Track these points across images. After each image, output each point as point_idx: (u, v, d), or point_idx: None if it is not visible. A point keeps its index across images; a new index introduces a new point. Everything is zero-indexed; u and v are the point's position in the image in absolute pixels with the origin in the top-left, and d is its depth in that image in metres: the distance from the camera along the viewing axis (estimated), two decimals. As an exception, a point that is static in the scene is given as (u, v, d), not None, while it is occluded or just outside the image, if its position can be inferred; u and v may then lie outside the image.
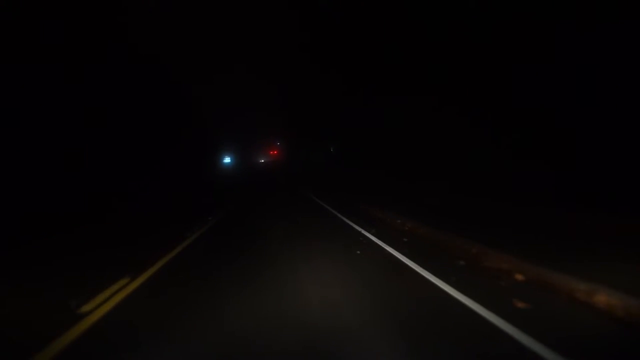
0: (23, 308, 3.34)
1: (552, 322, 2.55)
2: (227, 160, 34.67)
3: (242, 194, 15.28)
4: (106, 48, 12.99)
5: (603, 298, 2.63)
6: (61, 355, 2.47)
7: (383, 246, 4.96)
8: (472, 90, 9.19)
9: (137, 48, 15.96)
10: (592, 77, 5.95)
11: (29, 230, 6.75)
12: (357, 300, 3.10)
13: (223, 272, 4.23)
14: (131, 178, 14.44)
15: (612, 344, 2.27)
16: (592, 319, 2.56)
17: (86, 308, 3.19)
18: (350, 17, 18.03)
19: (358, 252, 4.72)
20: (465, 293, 3.07)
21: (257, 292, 3.45)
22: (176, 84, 22.42)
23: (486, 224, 5.49)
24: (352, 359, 2.23)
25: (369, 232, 5.93)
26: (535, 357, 2.10)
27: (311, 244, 5.38)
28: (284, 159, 39.23)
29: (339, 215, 8.07)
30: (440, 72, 10.41)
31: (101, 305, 3.27)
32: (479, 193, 8.01)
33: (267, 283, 3.70)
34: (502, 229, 5.15)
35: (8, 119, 8.28)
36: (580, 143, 6.36)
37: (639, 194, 4.79)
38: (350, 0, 17.18)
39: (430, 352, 2.25)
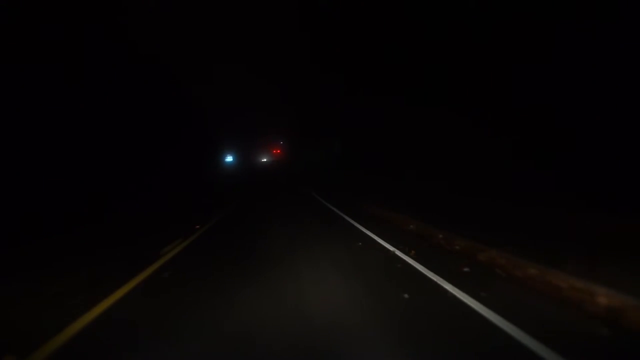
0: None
1: None
2: (229, 159, 32.70)
3: (243, 195, 13.41)
4: (107, 48, 12.03)
5: None
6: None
7: (441, 284, 3.12)
8: (472, 90, 8.42)
9: (137, 48, 14.72)
10: (592, 76, 5.47)
11: (26, 231, 6.24)
12: None
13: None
14: (131, 179, 12.89)
15: None
16: None
17: None
18: (350, 17, 16.48)
19: (406, 295, 2.89)
20: None
21: None
22: (176, 84, 20.99)
23: (564, 241, 3.68)
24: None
25: (407, 254, 4.11)
26: None
27: (327, 280, 3.54)
28: (287, 158, 37.32)
29: (360, 226, 6.22)
30: (440, 72, 9.64)
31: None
32: (501, 195, 6.48)
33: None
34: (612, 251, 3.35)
35: (7, 119, 7.71)
36: (580, 143, 5.78)
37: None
38: (350, 1, 15.75)
39: None
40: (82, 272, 3.99)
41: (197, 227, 6.56)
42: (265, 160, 43.60)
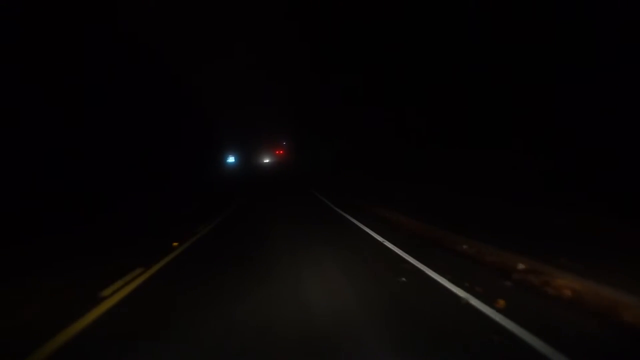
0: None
1: None
2: (231, 159, 30.86)
3: (242, 199, 11.71)
4: (107, 46, 11.36)
5: None
6: None
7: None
8: (473, 94, 7.74)
9: (138, 47, 14.03)
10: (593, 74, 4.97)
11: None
12: None
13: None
14: (124, 179, 11.60)
15: None
16: None
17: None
18: (349, 20, 15.42)
19: None
20: None
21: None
22: (177, 83, 19.65)
23: None
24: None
25: (490, 304, 2.38)
26: None
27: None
28: (290, 159, 35.55)
29: (392, 246, 4.48)
30: (444, 79, 8.79)
31: None
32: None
33: None
34: None
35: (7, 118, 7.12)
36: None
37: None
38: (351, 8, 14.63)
39: None
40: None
41: (175, 244, 4.83)
42: (267, 161, 41.87)
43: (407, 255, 3.80)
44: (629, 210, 3.72)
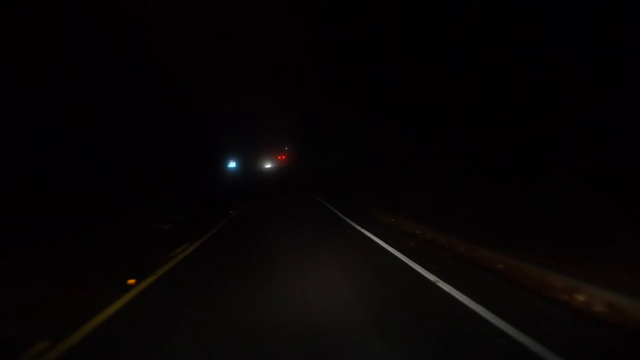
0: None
1: None
2: (232, 165, 29.27)
3: (241, 209, 10.18)
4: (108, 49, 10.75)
5: None
6: None
7: None
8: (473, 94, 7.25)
9: (138, 48, 13.40)
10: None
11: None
12: None
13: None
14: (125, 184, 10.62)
15: None
16: None
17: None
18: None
19: None
20: None
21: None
22: (177, 85, 18.55)
23: None
24: None
25: None
26: None
27: None
28: (293, 164, 33.99)
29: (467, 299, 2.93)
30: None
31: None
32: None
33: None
34: None
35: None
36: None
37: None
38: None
39: None
40: None
41: (131, 281, 3.28)
42: (269, 166, 40.33)
43: (492, 316, 2.24)
44: None
